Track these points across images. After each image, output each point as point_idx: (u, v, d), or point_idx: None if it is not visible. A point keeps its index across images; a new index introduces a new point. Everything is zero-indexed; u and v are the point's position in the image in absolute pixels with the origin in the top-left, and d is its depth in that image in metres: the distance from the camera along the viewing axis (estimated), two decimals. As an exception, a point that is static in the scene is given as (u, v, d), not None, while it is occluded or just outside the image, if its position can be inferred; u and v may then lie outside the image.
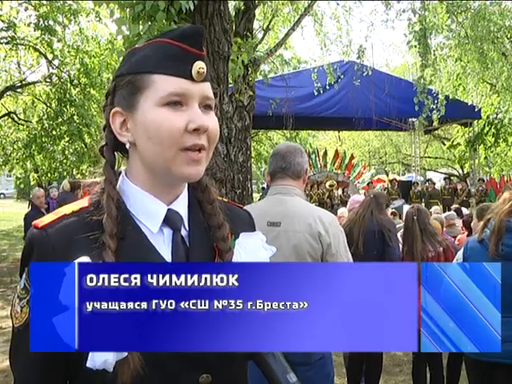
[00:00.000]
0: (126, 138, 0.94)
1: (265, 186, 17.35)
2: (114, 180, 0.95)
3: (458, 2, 9.46)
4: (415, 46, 8.59)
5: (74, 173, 14.31)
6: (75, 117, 13.23)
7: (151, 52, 0.92)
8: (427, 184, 16.38)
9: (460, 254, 2.80)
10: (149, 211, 0.95)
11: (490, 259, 2.57)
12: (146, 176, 0.95)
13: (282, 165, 2.39)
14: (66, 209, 0.94)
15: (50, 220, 0.91)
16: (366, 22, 8.74)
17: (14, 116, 15.11)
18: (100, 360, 0.80)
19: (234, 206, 1.16)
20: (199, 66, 0.91)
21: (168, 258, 0.93)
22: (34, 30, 11.98)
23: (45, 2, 11.47)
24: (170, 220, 0.96)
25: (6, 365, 5.07)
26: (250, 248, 0.99)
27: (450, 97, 10.82)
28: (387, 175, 25.88)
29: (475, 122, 14.70)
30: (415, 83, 8.99)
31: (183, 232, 0.98)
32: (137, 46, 0.98)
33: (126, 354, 0.81)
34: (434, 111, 8.85)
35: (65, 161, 14.12)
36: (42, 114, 13.94)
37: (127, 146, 0.95)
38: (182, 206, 0.99)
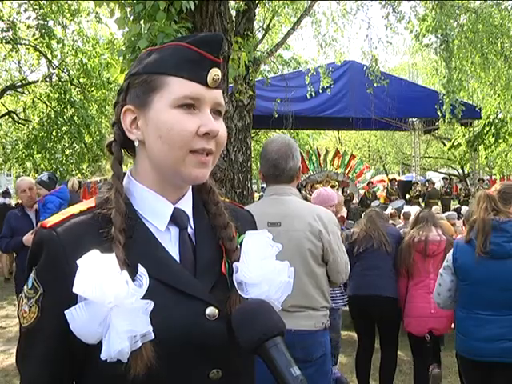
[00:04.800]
0: (136, 135, 0.95)
1: (264, 185, 17.32)
2: (122, 176, 0.96)
3: (458, 3, 9.45)
4: (439, 52, 8.58)
5: (74, 173, 14.30)
6: (75, 117, 13.23)
7: (169, 54, 0.93)
8: (427, 184, 16.40)
9: (449, 255, 2.81)
10: (155, 210, 0.96)
11: (477, 258, 2.59)
12: (152, 175, 0.96)
13: (276, 172, 2.37)
14: (74, 209, 0.95)
15: (58, 220, 0.91)
16: (366, 22, 8.64)
17: (14, 116, 15.10)
18: (116, 350, 0.80)
19: (236, 206, 1.17)
20: (215, 72, 0.92)
21: (176, 256, 0.94)
22: (33, 35, 11.98)
23: (45, 3, 11.44)
24: (177, 218, 0.97)
25: (6, 364, 5.08)
26: (256, 246, 0.99)
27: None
28: (387, 175, 25.87)
29: (475, 121, 14.69)
30: (443, 87, 8.97)
31: (189, 230, 0.99)
32: (154, 47, 0.99)
33: (140, 344, 0.82)
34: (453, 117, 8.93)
35: (65, 161, 14.10)
36: (42, 115, 13.91)
37: (136, 143, 0.96)
38: (187, 204, 1.00)
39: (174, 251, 0.95)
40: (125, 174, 0.99)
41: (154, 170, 0.95)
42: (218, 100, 0.94)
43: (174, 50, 0.93)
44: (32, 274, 0.90)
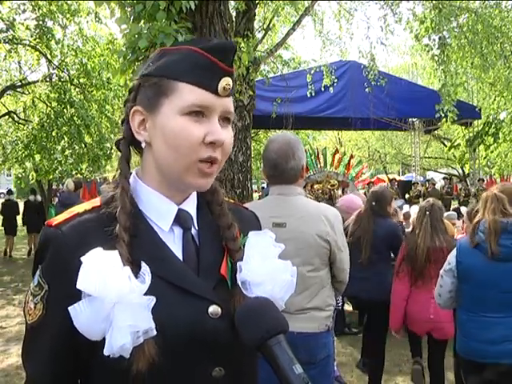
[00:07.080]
0: (143, 137, 0.96)
1: (265, 185, 17.31)
2: (129, 174, 0.97)
3: (457, 3, 9.45)
4: (434, 55, 8.59)
5: (73, 173, 14.30)
6: (75, 118, 13.22)
7: (181, 59, 0.92)
8: (427, 184, 16.40)
9: (451, 257, 2.73)
10: (160, 210, 0.96)
11: (485, 262, 2.55)
12: (158, 177, 0.97)
13: (275, 173, 2.32)
14: (79, 208, 0.96)
15: (64, 218, 0.93)
16: (367, 23, 8.66)
17: (14, 116, 15.09)
18: (118, 345, 0.81)
19: (241, 207, 1.18)
20: (226, 82, 0.92)
21: (179, 256, 0.95)
22: (31, 36, 11.96)
23: (44, 3, 11.43)
24: (181, 219, 0.98)
25: (6, 364, 5.07)
26: (259, 246, 1.00)
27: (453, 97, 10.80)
28: (387, 175, 25.88)
29: (475, 122, 14.68)
30: (439, 91, 8.99)
31: (193, 231, 0.99)
32: (167, 47, 0.98)
33: (142, 340, 0.83)
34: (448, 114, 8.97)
35: (64, 161, 14.10)
36: (42, 115, 13.91)
37: (143, 145, 0.97)
38: (191, 205, 1.01)
39: (177, 252, 0.95)
40: (131, 173, 1.00)
41: (159, 172, 0.96)
42: (228, 108, 0.94)
43: (187, 55, 0.91)
44: (38, 272, 0.92)
